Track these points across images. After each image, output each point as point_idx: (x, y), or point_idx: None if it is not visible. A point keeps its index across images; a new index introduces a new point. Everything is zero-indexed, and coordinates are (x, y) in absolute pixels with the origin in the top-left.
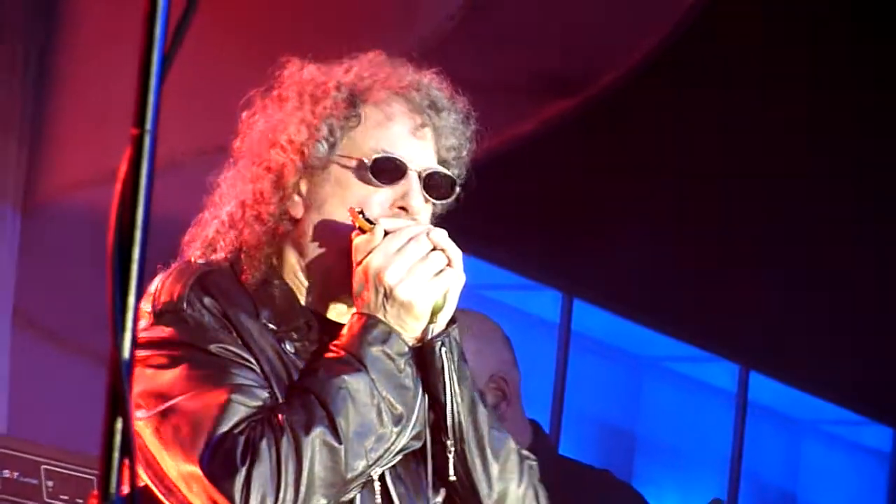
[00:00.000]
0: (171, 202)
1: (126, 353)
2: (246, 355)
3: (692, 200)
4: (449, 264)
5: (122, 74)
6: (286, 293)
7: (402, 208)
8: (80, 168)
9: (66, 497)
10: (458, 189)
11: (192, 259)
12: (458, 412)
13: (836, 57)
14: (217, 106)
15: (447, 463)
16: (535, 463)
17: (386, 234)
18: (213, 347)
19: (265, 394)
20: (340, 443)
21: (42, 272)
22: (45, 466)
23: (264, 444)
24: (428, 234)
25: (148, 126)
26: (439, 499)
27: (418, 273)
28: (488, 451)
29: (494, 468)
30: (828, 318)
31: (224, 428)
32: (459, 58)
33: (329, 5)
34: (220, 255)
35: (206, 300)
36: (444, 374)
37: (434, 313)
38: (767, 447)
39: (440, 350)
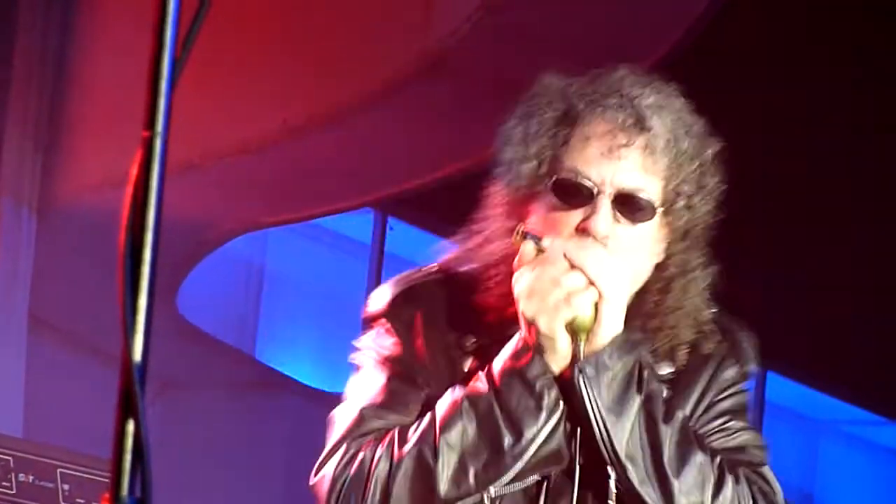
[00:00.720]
0: (189, 204)
1: (137, 355)
2: (416, 372)
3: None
4: (591, 282)
5: (138, 78)
6: (485, 311)
7: (584, 230)
8: (96, 171)
9: (82, 500)
10: (657, 210)
11: (422, 268)
12: (608, 437)
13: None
14: (233, 109)
15: (609, 490)
16: (747, 470)
17: (540, 252)
18: (386, 359)
19: (408, 411)
20: (437, 461)
21: (58, 275)
22: (61, 470)
23: (366, 455)
24: (566, 254)
25: (159, 128)
26: None
27: (549, 298)
28: (667, 469)
29: (675, 485)
30: (846, 318)
31: (345, 439)
32: (478, 58)
33: (345, 7)
34: (466, 268)
35: (405, 312)
36: (583, 401)
37: (579, 332)
38: (785, 447)
39: (578, 377)
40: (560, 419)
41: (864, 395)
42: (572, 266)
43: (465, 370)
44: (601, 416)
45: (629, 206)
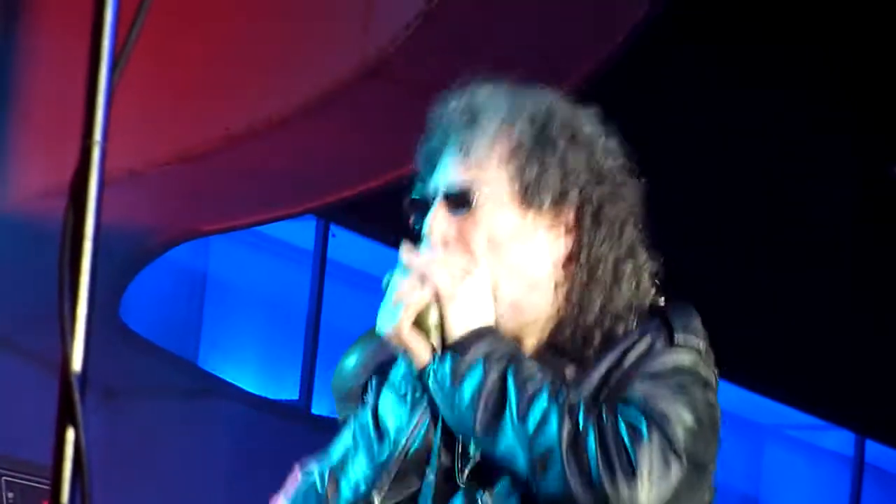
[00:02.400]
0: (131, 212)
1: (77, 364)
2: None
3: None
4: (423, 282)
5: (79, 87)
6: None
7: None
8: (40, 179)
9: None
10: (474, 194)
11: None
12: (466, 428)
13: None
14: (174, 117)
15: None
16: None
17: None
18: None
19: None
20: (324, 487)
21: (1, 283)
22: (6, 478)
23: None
24: (403, 259)
25: (97, 137)
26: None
27: (386, 307)
28: (517, 424)
29: (525, 431)
30: (790, 323)
31: None
32: (417, 65)
33: (287, 14)
34: None
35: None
36: (437, 400)
37: (428, 331)
38: (729, 451)
39: (426, 377)
40: (426, 418)
41: (807, 399)
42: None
43: None
44: (449, 402)
45: (453, 201)
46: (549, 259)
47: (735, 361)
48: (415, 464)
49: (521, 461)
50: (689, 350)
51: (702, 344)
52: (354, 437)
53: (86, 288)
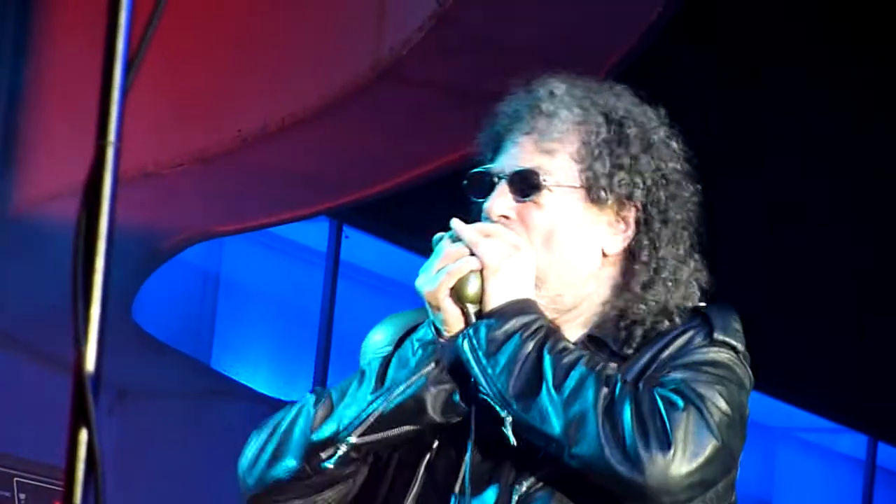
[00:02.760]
0: (144, 212)
1: (90, 365)
2: None
3: None
4: (472, 252)
5: (92, 87)
6: None
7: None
8: (53, 180)
9: None
10: (542, 180)
11: None
12: (492, 381)
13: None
14: (188, 117)
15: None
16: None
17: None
18: None
19: None
20: (315, 410)
21: (16, 284)
22: (18, 479)
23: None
24: (455, 229)
25: (111, 137)
26: (525, 484)
27: (429, 268)
28: (552, 391)
29: (564, 402)
30: (803, 326)
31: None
32: (430, 67)
33: (300, 16)
34: None
35: None
36: (465, 355)
37: (465, 301)
38: (742, 454)
39: (462, 342)
40: (428, 375)
41: (819, 402)
42: (457, 240)
43: None
44: (482, 365)
45: (520, 184)
46: (599, 252)
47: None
48: (398, 413)
49: (554, 424)
50: (727, 348)
51: (740, 345)
52: (358, 377)
53: (99, 288)
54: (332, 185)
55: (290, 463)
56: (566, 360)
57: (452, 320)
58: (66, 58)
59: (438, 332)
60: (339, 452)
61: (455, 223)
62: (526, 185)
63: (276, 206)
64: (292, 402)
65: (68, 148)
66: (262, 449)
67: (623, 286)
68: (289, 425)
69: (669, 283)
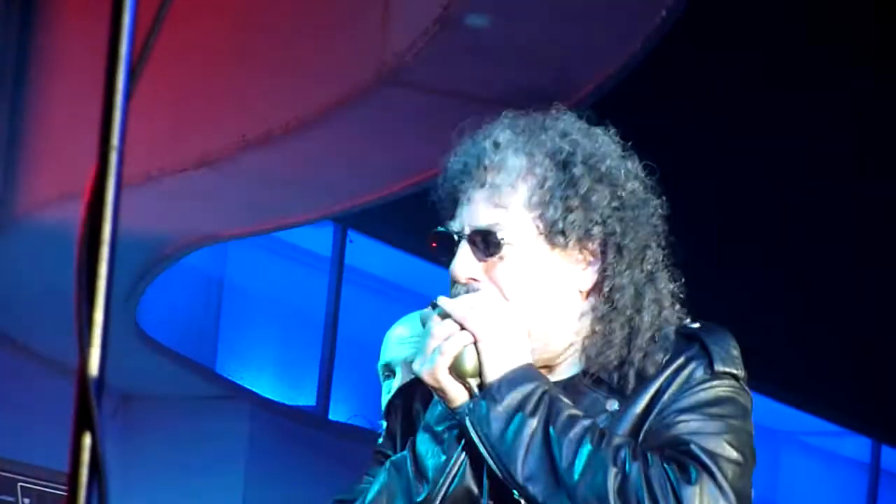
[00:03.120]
0: (148, 217)
1: (94, 369)
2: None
3: None
4: (461, 326)
5: (95, 91)
6: None
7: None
8: (56, 184)
9: None
10: (500, 237)
11: None
12: (502, 465)
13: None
14: (192, 122)
15: None
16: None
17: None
18: (376, 451)
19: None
20: None
21: (19, 288)
22: (22, 484)
23: None
24: (437, 305)
25: (114, 142)
26: None
27: (427, 351)
28: (564, 476)
29: (577, 487)
30: (806, 330)
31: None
32: (435, 71)
33: (304, 21)
34: None
35: (396, 407)
36: (472, 436)
37: (465, 377)
38: None
39: (465, 415)
40: (464, 458)
41: (824, 405)
42: (445, 317)
43: None
44: (490, 447)
45: (480, 243)
46: (576, 290)
47: (750, 368)
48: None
49: None
50: (729, 378)
51: (740, 372)
52: (390, 478)
53: (103, 292)
54: (336, 190)
55: None
56: (573, 434)
57: (456, 397)
58: (69, 61)
59: (444, 407)
60: None
61: (441, 301)
62: (486, 243)
63: (281, 210)
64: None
65: (72, 152)
66: None
67: (600, 316)
68: None
69: (628, 311)
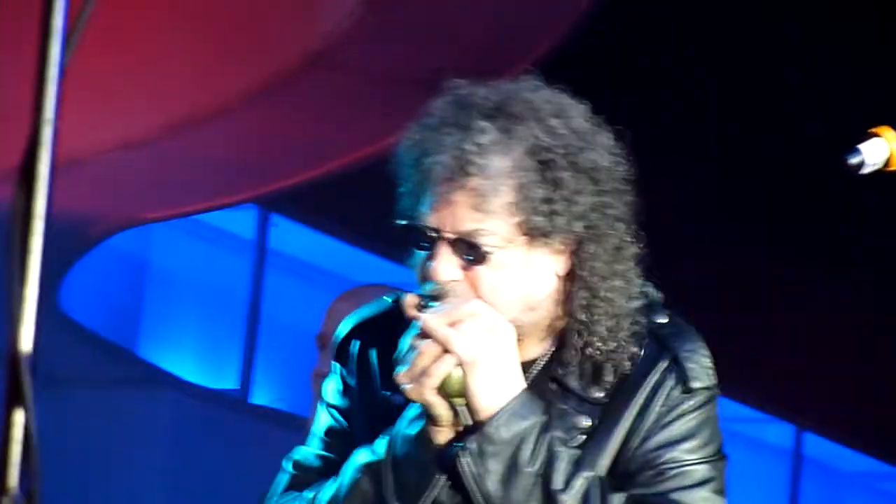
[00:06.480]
0: (72, 199)
1: (26, 345)
2: (352, 415)
3: None
4: (447, 349)
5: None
6: None
7: (428, 276)
8: None
9: None
10: (485, 244)
11: (382, 297)
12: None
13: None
14: (116, 104)
15: None
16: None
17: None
18: (329, 404)
19: (341, 456)
20: None
21: None
22: None
23: None
24: (421, 323)
25: (48, 115)
26: None
27: (415, 368)
28: None
29: None
30: (729, 317)
31: (287, 485)
32: (361, 52)
33: (226, 3)
34: None
35: (349, 353)
36: (466, 479)
37: (453, 398)
38: None
39: (459, 454)
40: (444, 482)
41: (747, 392)
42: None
43: (398, 406)
44: (485, 496)
45: (464, 248)
46: (553, 275)
47: None
48: None
49: None
50: (704, 393)
51: (713, 381)
52: (363, 479)
53: (36, 269)
54: (259, 173)
55: None
56: (575, 492)
57: (444, 415)
58: None
59: (430, 425)
60: None
61: (423, 319)
62: (471, 249)
63: (204, 193)
64: (298, 478)
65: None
66: None
67: (568, 304)
68: None
69: (603, 297)
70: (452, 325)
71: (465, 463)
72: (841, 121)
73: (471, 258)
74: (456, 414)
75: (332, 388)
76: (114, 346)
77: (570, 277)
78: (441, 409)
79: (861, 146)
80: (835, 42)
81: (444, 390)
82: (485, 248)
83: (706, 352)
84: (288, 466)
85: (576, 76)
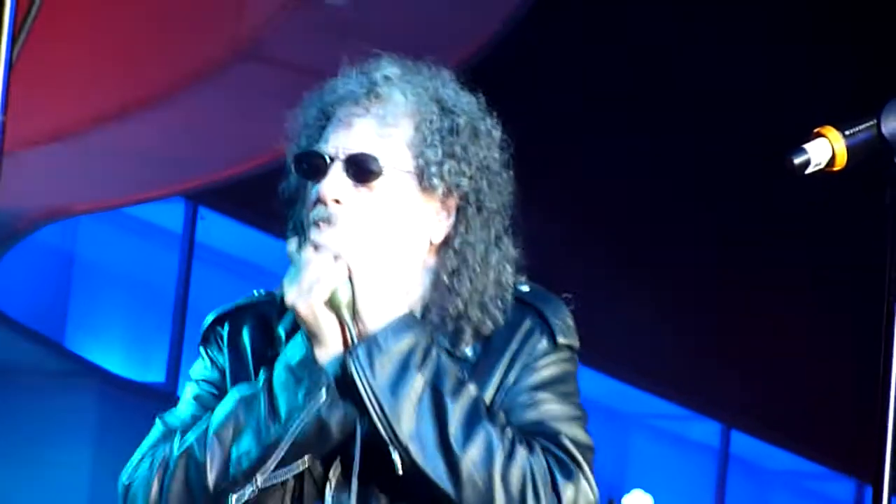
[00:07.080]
0: (0, 191)
1: None
2: (220, 388)
3: None
4: (336, 257)
5: None
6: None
7: (319, 198)
8: None
9: None
10: (389, 170)
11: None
12: (385, 419)
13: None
14: (43, 96)
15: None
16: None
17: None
18: (197, 380)
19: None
20: (206, 454)
21: None
22: None
23: (154, 458)
24: (310, 240)
25: None
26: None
27: (303, 282)
28: (453, 444)
29: (461, 459)
30: (657, 312)
31: (147, 449)
32: (292, 47)
33: None
34: None
35: (214, 336)
36: (357, 385)
37: (341, 310)
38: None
39: (349, 361)
40: (323, 402)
41: (673, 389)
42: (317, 248)
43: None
44: (376, 399)
45: (357, 168)
46: (427, 240)
47: (601, 350)
48: (301, 445)
49: (449, 482)
50: (568, 351)
51: (576, 343)
52: (237, 410)
53: None
54: (187, 167)
55: None
56: (463, 402)
57: (329, 334)
58: None
59: (315, 344)
60: (246, 496)
61: (313, 234)
62: (362, 169)
63: (132, 186)
64: (169, 431)
65: None
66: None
67: (438, 274)
68: (184, 477)
69: (478, 268)
70: (343, 238)
71: (356, 367)
72: (779, 120)
73: (360, 179)
74: (344, 335)
75: (199, 367)
76: (41, 339)
77: (444, 247)
78: (329, 326)
79: (806, 146)
80: (780, 42)
81: (332, 302)
82: (373, 168)
83: (569, 315)
84: (159, 423)
85: (497, 81)
